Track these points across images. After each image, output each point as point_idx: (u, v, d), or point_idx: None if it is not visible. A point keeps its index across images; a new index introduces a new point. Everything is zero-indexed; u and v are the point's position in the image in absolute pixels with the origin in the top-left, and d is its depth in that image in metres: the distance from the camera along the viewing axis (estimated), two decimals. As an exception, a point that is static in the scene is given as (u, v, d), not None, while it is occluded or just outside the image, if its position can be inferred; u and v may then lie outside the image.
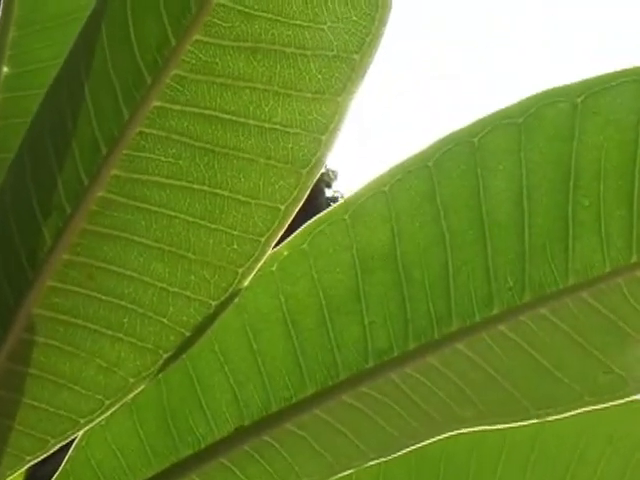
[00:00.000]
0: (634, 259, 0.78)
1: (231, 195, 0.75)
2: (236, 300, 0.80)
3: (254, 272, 0.76)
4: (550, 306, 0.79)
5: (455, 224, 0.80)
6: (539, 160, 0.79)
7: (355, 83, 0.72)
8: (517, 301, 0.79)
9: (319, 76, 0.72)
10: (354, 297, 0.81)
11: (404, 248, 0.80)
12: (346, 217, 0.81)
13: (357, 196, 0.81)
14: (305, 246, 0.81)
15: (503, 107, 0.81)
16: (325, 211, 0.82)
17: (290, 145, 0.73)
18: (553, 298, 0.79)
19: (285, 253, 0.82)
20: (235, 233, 0.75)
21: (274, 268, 0.82)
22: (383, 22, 0.71)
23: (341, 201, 0.81)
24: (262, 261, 0.75)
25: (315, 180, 0.75)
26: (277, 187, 0.74)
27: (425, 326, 0.80)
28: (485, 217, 0.79)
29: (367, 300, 0.81)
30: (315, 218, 0.82)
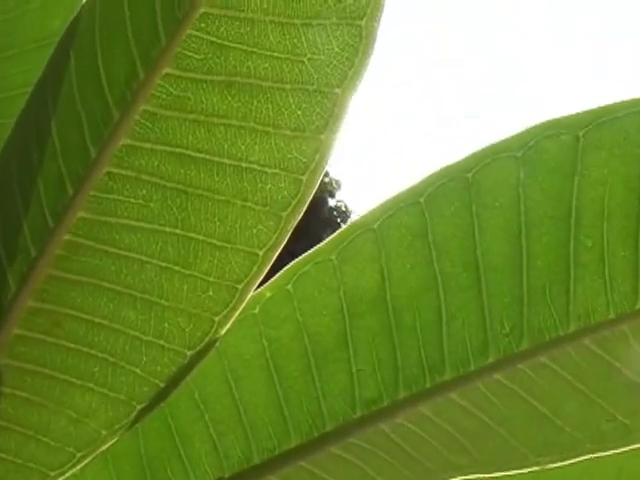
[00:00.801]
0: (639, 305, 0.71)
1: (206, 239, 0.67)
2: (216, 344, 0.74)
3: (232, 320, 0.69)
4: (550, 354, 0.71)
5: (448, 266, 0.72)
6: (539, 197, 0.71)
7: (338, 119, 0.65)
8: (514, 348, 0.71)
9: (299, 112, 0.64)
10: (341, 343, 0.74)
11: (394, 291, 0.73)
12: (333, 257, 0.74)
13: (345, 234, 0.74)
14: (289, 287, 0.74)
15: (500, 139, 0.74)
16: (311, 250, 0.75)
17: (268, 186, 0.66)
18: (553, 345, 0.71)
19: (268, 295, 0.75)
20: (210, 279, 0.68)
21: (256, 310, 0.75)
22: (367, 54, 0.64)
23: (328, 239, 0.74)
24: (240, 308, 0.69)
25: (298, 219, 0.68)
26: (255, 231, 0.67)
27: (416, 375, 0.73)
28: (480, 259, 0.72)
29: (355, 346, 0.74)
30: (300, 258, 0.75)
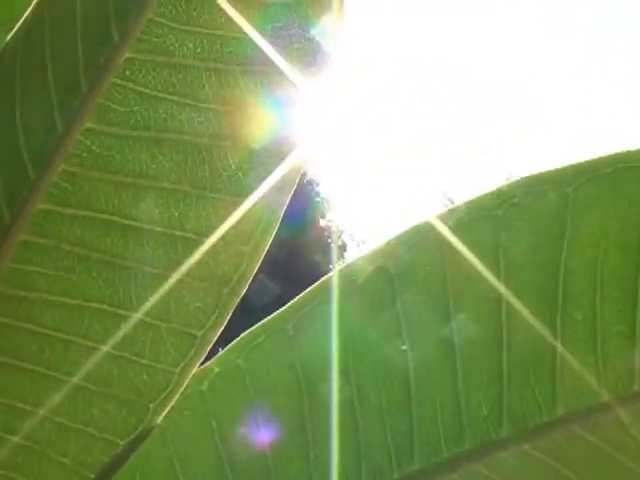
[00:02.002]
0: (637, 387, 0.59)
1: (137, 317, 0.56)
2: (161, 423, 0.62)
3: (169, 407, 0.58)
4: (534, 441, 0.60)
5: (419, 339, 0.61)
6: (521, 262, 0.59)
7: (288, 181, 0.54)
8: (493, 435, 0.60)
9: (239, 174, 0.52)
10: (299, 425, 0.63)
11: (357, 366, 0.62)
12: (289, 327, 0.63)
13: (302, 301, 0.63)
14: (240, 361, 0.63)
15: (477, 196, 0.62)
16: (264, 320, 0.64)
17: (206, 259, 0.55)
18: (537, 431, 0.60)
19: (217, 370, 0.63)
20: (144, 362, 0.56)
21: (204, 387, 0.63)
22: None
23: (283, 308, 0.63)
24: (178, 393, 0.58)
25: (241, 295, 0.57)
26: (192, 309, 0.55)
27: (381, 463, 0.61)
28: (455, 331, 0.60)
29: (313, 429, 0.63)
30: (253, 328, 0.64)
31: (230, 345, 0.61)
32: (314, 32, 0.51)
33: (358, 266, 0.60)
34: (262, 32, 0.51)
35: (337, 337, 0.60)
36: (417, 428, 0.59)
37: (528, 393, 0.57)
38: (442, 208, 0.62)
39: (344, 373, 0.60)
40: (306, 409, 0.60)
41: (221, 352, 0.62)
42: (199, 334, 0.52)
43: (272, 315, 0.61)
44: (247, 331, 0.61)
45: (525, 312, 0.58)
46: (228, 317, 0.52)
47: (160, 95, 0.51)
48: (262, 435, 0.61)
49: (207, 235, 0.51)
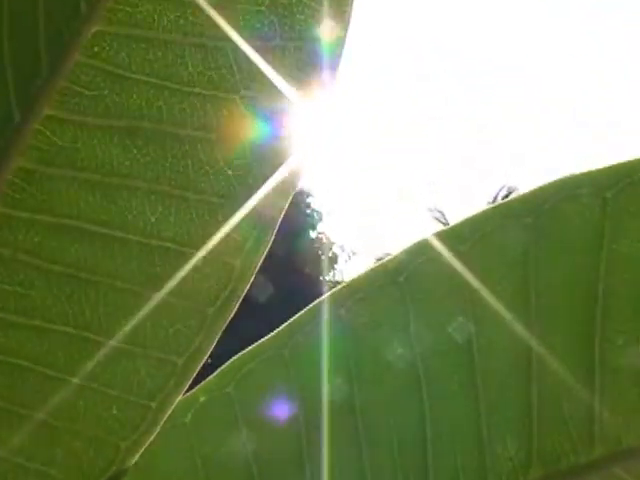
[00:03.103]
0: (690, 423, 0.48)
1: (106, 341, 0.46)
2: (137, 463, 0.52)
3: (144, 446, 0.47)
4: (568, 485, 0.50)
5: (435, 367, 0.51)
6: (553, 278, 0.49)
7: (288, 183, 0.43)
8: (520, 477, 0.49)
9: (229, 171, 0.42)
10: (297, 463, 0.52)
11: (363, 397, 0.52)
12: (285, 352, 0.52)
13: (298, 323, 0.52)
14: (230, 389, 0.52)
15: (504, 201, 0.52)
16: (257, 342, 0.53)
17: (189, 274, 0.44)
18: (572, 474, 0.49)
19: (202, 399, 0.53)
20: (114, 394, 0.46)
21: (187, 419, 0.52)
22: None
23: (277, 330, 0.52)
24: (155, 431, 0.47)
25: (229, 317, 0.46)
26: (172, 332, 0.44)
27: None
28: (477, 358, 0.50)
29: (312, 467, 0.52)
30: (244, 352, 0.53)
31: (218, 371, 0.51)
32: (307, 39, 0.41)
33: (367, 283, 0.50)
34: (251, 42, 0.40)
35: (340, 363, 0.50)
36: (432, 468, 0.48)
37: (561, 430, 0.47)
38: (433, 222, 0.52)
39: (349, 405, 0.49)
40: (305, 446, 0.49)
41: (207, 379, 0.51)
42: (180, 362, 0.42)
43: (265, 338, 0.50)
44: (237, 355, 0.51)
45: (558, 337, 0.47)
46: (214, 342, 0.41)
47: (135, 76, 0.40)
48: (255, 475, 0.50)
49: (190, 245, 0.41)
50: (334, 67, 0.39)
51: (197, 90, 0.38)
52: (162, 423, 0.42)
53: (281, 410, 0.48)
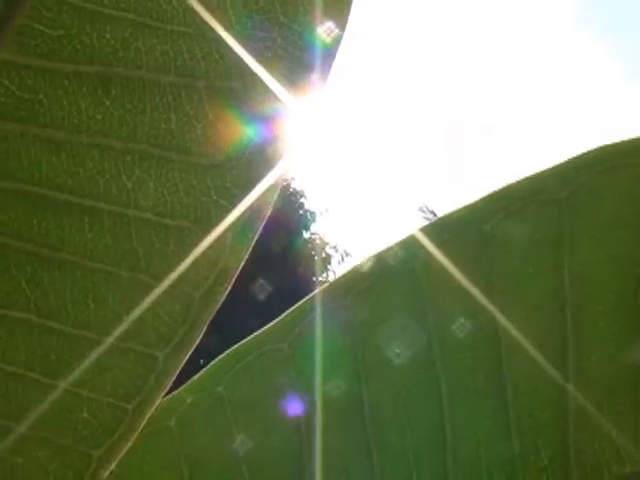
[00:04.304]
0: None
1: (74, 331, 0.37)
2: (113, 472, 0.43)
3: (120, 455, 0.39)
4: (611, 498, 0.41)
5: (456, 361, 0.42)
6: (591, 260, 0.41)
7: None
8: None
9: (219, 125, 0.34)
10: (296, 468, 0.44)
11: (373, 397, 0.43)
12: (284, 345, 0.44)
13: (297, 315, 0.44)
14: (221, 389, 0.44)
15: (530, 175, 0.44)
16: (252, 335, 0.45)
17: (171, 248, 0.35)
18: (616, 484, 0.41)
19: (189, 400, 0.44)
20: (84, 394, 0.37)
21: (172, 423, 0.44)
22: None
23: (273, 322, 0.43)
24: (133, 438, 0.38)
25: (219, 301, 0.37)
26: (151, 321, 0.36)
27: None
28: (504, 349, 0.41)
29: (312, 472, 0.44)
30: (237, 346, 0.45)
31: (207, 368, 0.43)
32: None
33: (378, 262, 0.41)
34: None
35: (345, 358, 0.41)
36: (452, 476, 0.40)
37: (603, 437, 0.39)
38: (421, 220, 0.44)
39: (357, 404, 0.41)
40: (306, 451, 0.41)
41: (195, 377, 0.43)
42: (161, 356, 0.33)
43: (261, 331, 0.42)
44: (229, 350, 0.42)
45: (599, 329, 0.39)
46: (202, 331, 0.33)
47: (107, 12, 0.32)
48: (248, 486, 0.42)
49: (173, 216, 0.32)
50: (328, 67, 0.31)
51: (182, 29, 0.30)
52: (141, 428, 0.34)
53: (280, 412, 0.40)
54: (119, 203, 0.31)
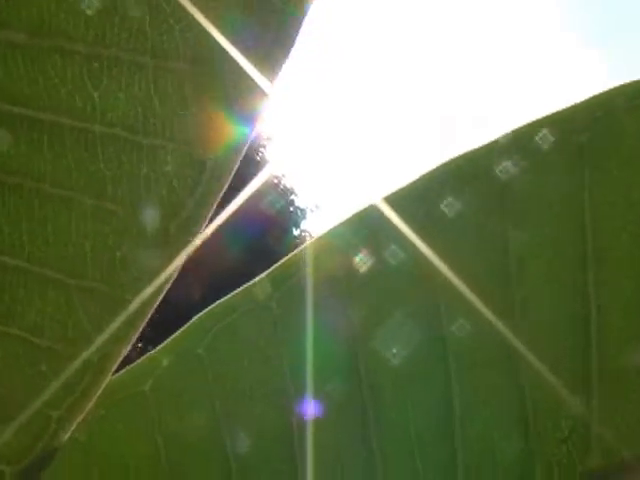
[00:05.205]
0: None
1: (29, 268, 0.32)
2: (82, 440, 0.38)
3: (80, 417, 0.33)
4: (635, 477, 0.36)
5: (464, 330, 0.37)
6: (615, 205, 0.37)
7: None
8: (577, 465, 0.31)
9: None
10: (284, 441, 0.39)
11: (370, 364, 0.38)
12: (272, 303, 0.39)
13: (285, 270, 0.39)
14: (201, 350, 0.39)
15: (551, 113, 0.39)
16: (233, 293, 0.40)
17: (147, 172, 0.30)
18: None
19: (165, 362, 0.39)
20: (39, 343, 0.32)
21: (147, 387, 0.39)
22: None
23: (259, 278, 0.38)
24: (94, 397, 0.33)
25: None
26: (119, 258, 0.31)
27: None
28: (519, 319, 0.36)
29: (302, 447, 0.39)
30: (218, 303, 0.40)
31: (185, 327, 0.38)
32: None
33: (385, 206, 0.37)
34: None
35: (342, 319, 0.36)
36: (461, 453, 0.35)
37: (627, 409, 0.34)
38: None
39: (353, 372, 0.36)
40: (295, 423, 0.36)
41: (172, 337, 0.38)
42: (132, 298, 0.29)
43: (244, 287, 0.37)
44: (209, 308, 0.37)
45: (625, 291, 0.34)
46: (176, 271, 0.28)
47: None
48: (230, 458, 0.37)
49: (146, 132, 0.27)
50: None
51: None
52: (106, 382, 0.29)
53: (266, 377, 0.35)
54: (84, 117, 0.26)
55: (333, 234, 0.35)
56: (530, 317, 0.32)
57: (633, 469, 0.32)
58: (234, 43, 0.25)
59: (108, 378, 0.28)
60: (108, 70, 0.25)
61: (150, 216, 0.25)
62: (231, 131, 0.26)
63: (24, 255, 0.27)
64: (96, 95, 0.25)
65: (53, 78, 0.26)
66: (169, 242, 0.26)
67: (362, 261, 0.34)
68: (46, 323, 0.27)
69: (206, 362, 0.34)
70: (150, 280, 0.26)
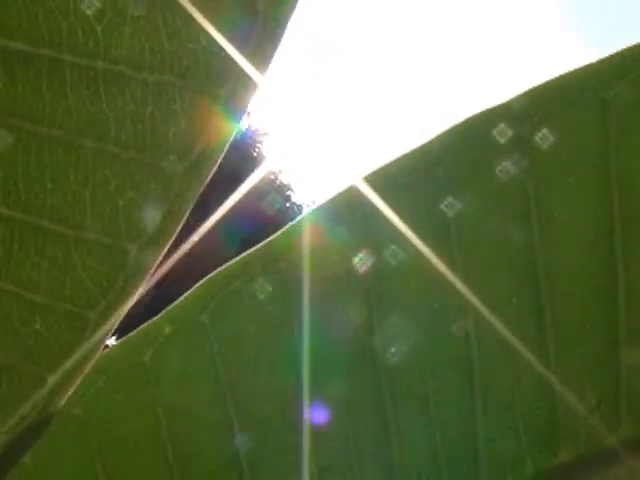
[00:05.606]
0: None
1: (24, 218, 0.30)
2: (79, 414, 0.36)
3: (76, 382, 0.31)
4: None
5: (486, 286, 0.35)
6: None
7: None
8: (607, 434, 0.29)
9: None
10: (290, 406, 0.36)
11: (386, 331, 0.36)
12: (281, 265, 0.37)
13: (292, 233, 0.37)
14: (205, 318, 0.37)
15: (577, 68, 0.37)
16: (241, 255, 0.38)
17: (153, 112, 0.28)
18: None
19: (167, 330, 0.37)
20: (36, 300, 0.30)
21: (147, 357, 0.37)
22: None
23: (266, 241, 0.36)
24: (93, 359, 0.30)
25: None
26: (121, 205, 0.29)
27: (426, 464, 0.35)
28: (542, 274, 0.34)
29: (310, 415, 0.36)
30: (222, 268, 0.38)
31: (188, 293, 0.36)
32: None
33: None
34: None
35: (357, 283, 0.34)
36: (481, 419, 0.33)
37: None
38: None
39: (367, 337, 0.34)
40: (305, 397, 0.34)
41: (174, 304, 0.36)
42: (133, 249, 0.26)
43: (252, 250, 0.35)
44: (212, 274, 0.35)
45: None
46: (183, 219, 0.26)
47: None
48: (236, 431, 0.34)
49: (152, 68, 0.25)
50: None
51: None
52: (102, 345, 0.26)
53: (274, 344, 0.33)
54: (85, 53, 0.24)
55: (334, 200, 0.33)
56: (555, 284, 0.30)
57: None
58: (223, 34, 0.24)
59: (107, 338, 0.26)
60: (112, 2, 0.23)
61: (156, 159, 0.23)
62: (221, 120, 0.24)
63: (20, 204, 0.25)
64: (99, 29, 0.23)
65: (53, 11, 0.24)
66: (176, 187, 0.23)
67: (363, 228, 0.32)
68: (42, 278, 0.25)
69: (210, 330, 0.32)
70: (155, 231, 0.24)
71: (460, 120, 0.32)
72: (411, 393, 0.31)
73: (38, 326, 0.25)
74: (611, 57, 0.32)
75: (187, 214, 0.24)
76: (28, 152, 0.24)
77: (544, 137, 0.31)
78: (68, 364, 0.26)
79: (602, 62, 0.31)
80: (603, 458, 0.29)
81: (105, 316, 0.25)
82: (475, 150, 0.32)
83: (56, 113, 0.24)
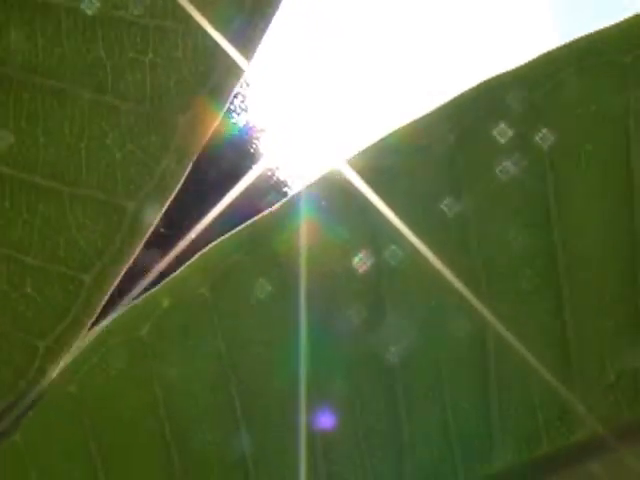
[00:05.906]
0: None
1: (16, 175, 0.28)
2: (73, 391, 0.34)
3: (70, 350, 0.29)
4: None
5: (492, 246, 0.33)
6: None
7: None
8: (625, 412, 0.27)
9: None
10: (294, 390, 0.35)
11: (398, 310, 0.34)
12: (285, 235, 0.35)
13: (315, 182, 0.35)
14: (205, 290, 0.35)
15: (591, 33, 0.36)
16: (247, 223, 0.36)
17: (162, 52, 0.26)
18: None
19: (166, 303, 0.35)
20: (27, 261, 0.28)
21: (144, 332, 0.35)
22: None
23: (269, 211, 0.34)
24: (86, 325, 0.29)
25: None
26: (119, 158, 0.27)
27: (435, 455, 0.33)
28: (561, 263, 0.33)
29: (312, 397, 0.35)
30: (226, 237, 0.36)
31: (188, 264, 0.34)
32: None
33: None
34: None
35: (368, 252, 0.33)
36: (495, 401, 0.31)
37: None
38: None
39: (378, 309, 0.32)
40: (305, 372, 0.32)
41: (173, 275, 0.34)
42: (130, 207, 0.24)
43: (252, 220, 0.33)
44: (212, 244, 0.34)
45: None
46: (185, 172, 0.24)
47: None
48: (237, 410, 0.33)
49: (152, 13, 0.24)
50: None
51: None
52: (98, 310, 0.25)
53: (277, 321, 0.31)
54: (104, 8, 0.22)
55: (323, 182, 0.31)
56: (572, 254, 0.29)
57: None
58: (210, 21, 0.22)
59: (102, 303, 0.24)
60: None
61: (156, 110, 0.22)
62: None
63: (10, 159, 0.23)
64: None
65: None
66: (177, 140, 0.22)
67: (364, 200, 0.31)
68: (33, 238, 0.23)
69: (211, 303, 0.30)
70: (154, 187, 0.22)
71: (467, 88, 0.31)
72: (420, 378, 0.29)
73: (29, 290, 0.24)
74: (628, 20, 0.30)
75: (189, 168, 0.23)
76: (20, 103, 0.23)
77: (557, 104, 0.30)
78: (60, 329, 0.24)
79: (618, 26, 0.30)
80: (620, 436, 0.27)
81: (100, 279, 0.23)
82: (481, 121, 0.30)
83: (50, 61, 0.22)
